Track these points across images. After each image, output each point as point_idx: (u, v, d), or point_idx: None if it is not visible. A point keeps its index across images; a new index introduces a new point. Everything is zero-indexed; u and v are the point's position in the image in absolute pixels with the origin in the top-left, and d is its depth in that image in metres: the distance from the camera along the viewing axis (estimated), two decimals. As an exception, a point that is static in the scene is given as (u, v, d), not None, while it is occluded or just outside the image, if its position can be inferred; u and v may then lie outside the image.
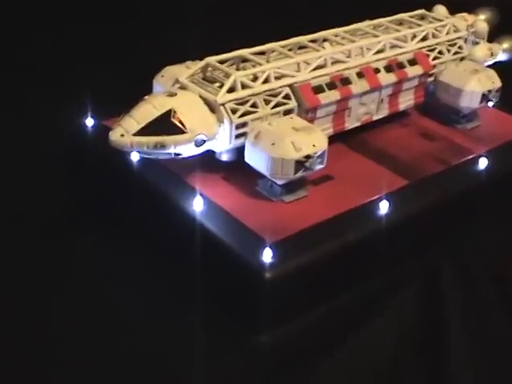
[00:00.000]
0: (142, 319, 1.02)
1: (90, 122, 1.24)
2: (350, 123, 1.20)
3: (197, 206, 1.05)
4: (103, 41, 1.73)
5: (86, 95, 1.24)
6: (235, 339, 1.00)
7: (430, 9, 1.39)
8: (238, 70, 1.14)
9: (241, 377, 0.95)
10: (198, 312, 1.02)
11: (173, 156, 1.04)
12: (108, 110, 1.19)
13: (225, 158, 1.11)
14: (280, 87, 1.11)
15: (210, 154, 1.10)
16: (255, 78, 1.10)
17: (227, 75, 1.08)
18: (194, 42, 1.32)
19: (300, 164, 1.03)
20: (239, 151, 1.09)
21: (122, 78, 1.50)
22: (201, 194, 1.07)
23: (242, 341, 1.01)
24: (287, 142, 1.03)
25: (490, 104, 1.34)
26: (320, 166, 1.06)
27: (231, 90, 1.07)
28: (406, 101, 1.27)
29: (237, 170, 1.10)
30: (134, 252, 1.12)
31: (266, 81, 1.10)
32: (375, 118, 1.24)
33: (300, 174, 1.04)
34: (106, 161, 1.16)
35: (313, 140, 1.05)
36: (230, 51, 1.15)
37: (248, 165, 1.08)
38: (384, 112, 1.24)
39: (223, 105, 1.05)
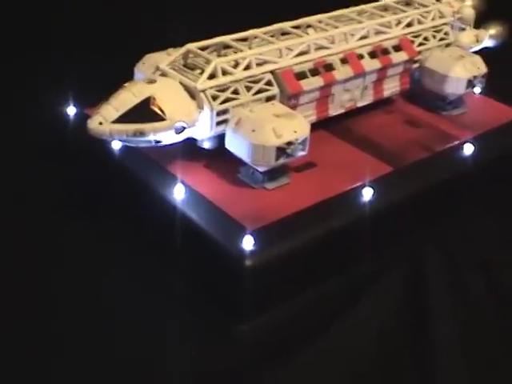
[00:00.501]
0: (123, 306, 1.02)
1: (71, 110, 1.22)
2: (334, 110, 1.19)
3: (178, 194, 1.04)
4: (85, 28, 1.71)
5: (68, 83, 1.22)
6: (217, 328, 0.99)
7: None
8: (219, 56, 1.13)
9: (223, 365, 0.94)
10: (179, 300, 1.00)
11: (153, 143, 1.03)
12: (90, 99, 1.17)
13: (206, 145, 1.10)
14: (262, 73, 1.10)
15: (191, 141, 1.08)
16: (236, 65, 1.09)
17: (208, 61, 1.07)
18: (177, 28, 1.30)
19: (281, 151, 1.02)
20: (221, 138, 1.08)
21: (104, 66, 1.48)
22: (182, 182, 1.06)
23: (224, 329, 0.99)
24: (268, 129, 1.02)
25: (477, 90, 1.33)
26: (302, 153, 1.05)
27: (212, 76, 1.06)
28: (391, 87, 1.26)
29: (218, 158, 1.09)
30: (115, 240, 1.12)
31: (247, 67, 1.09)
32: (359, 104, 1.22)
33: (282, 160, 1.03)
34: (87, 149, 1.15)
35: (294, 126, 1.03)
36: (213, 37, 1.13)
37: (230, 152, 1.07)
38: (368, 99, 1.23)
39: (203, 91, 1.04)
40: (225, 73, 1.06)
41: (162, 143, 1.03)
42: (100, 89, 1.05)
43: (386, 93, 1.25)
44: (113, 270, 1.07)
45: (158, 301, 1.02)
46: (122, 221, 1.13)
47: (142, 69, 1.14)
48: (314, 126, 1.15)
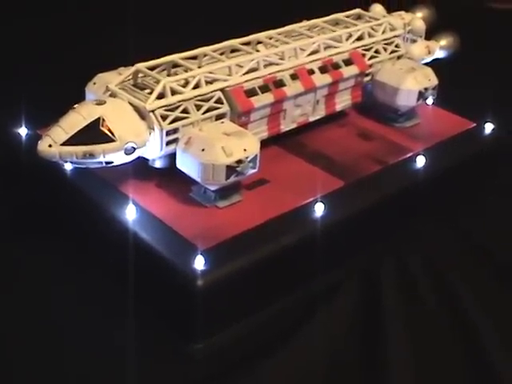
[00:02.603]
0: (75, 327, 1.02)
1: (23, 131, 1.21)
2: (286, 125, 1.19)
3: (129, 214, 1.04)
4: (36, 46, 1.70)
5: (19, 104, 1.21)
6: (169, 348, 0.99)
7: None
8: (169, 75, 1.13)
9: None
10: (131, 320, 1.00)
11: (104, 165, 1.03)
12: (42, 119, 1.17)
13: (158, 164, 1.10)
14: (211, 92, 1.10)
15: (143, 160, 1.08)
16: (186, 83, 1.09)
17: (157, 81, 1.07)
18: (130, 47, 1.29)
19: (231, 169, 1.03)
20: (172, 157, 1.08)
21: (55, 85, 1.47)
22: (133, 202, 1.05)
23: (176, 349, 0.99)
24: (217, 148, 1.02)
25: (429, 101, 1.34)
26: (252, 171, 1.05)
27: (161, 96, 1.06)
28: (343, 101, 1.27)
29: (170, 177, 1.09)
30: (68, 261, 1.12)
31: (196, 86, 1.09)
32: (311, 119, 1.23)
33: (232, 179, 1.03)
34: (39, 170, 1.14)
35: (244, 144, 1.04)
36: (164, 56, 1.13)
37: (182, 171, 1.06)
38: (320, 113, 1.24)
39: (153, 111, 1.04)
40: (174, 92, 1.06)
41: (113, 164, 1.03)
42: (52, 109, 1.05)
43: (338, 107, 1.26)
44: (63, 289, 1.07)
45: (110, 321, 1.02)
46: (74, 241, 1.12)
47: (93, 89, 1.14)
48: (267, 142, 1.16)
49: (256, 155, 1.04)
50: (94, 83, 1.16)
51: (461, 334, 1.04)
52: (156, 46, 1.20)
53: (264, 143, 1.14)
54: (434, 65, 1.35)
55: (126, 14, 1.73)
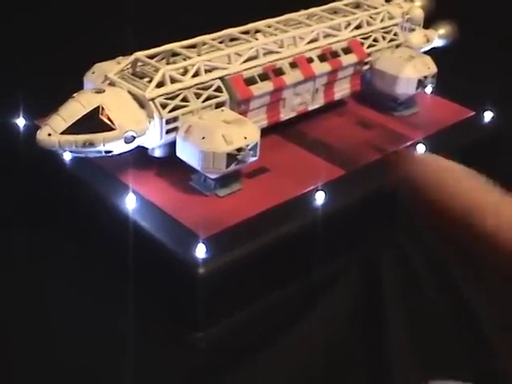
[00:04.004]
0: (74, 316, 1.01)
1: (21, 121, 1.20)
2: (285, 114, 1.19)
3: (129, 203, 1.03)
4: (33, 36, 1.69)
5: (16, 94, 1.20)
6: (171, 337, 0.99)
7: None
8: (168, 64, 1.12)
9: (176, 375, 0.94)
10: (132, 309, 0.99)
11: (103, 154, 1.02)
12: (40, 109, 1.16)
13: (157, 153, 1.09)
14: (211, 80, 1.09)
15: (142, 150, 1.07)
16: (185, 72, 1.08)
17: (156, 69, 1.06)
18: (129, 36, 1.29)
19: (232, 157, 1.02)
20: (172, 146, 1.08)
21: (53, 75, 1.47)
22: (133, 191, 1.05)
23: (178, 338, 0.99)
24: (218, 135, 1.02)
25: (428, 90, 1.33)
26: (253, 159, 1.05)
27: (160, 84, 1.05)
28: (342, 90, 1.26)
29: (170, 166, 1.09)
30: (68, 252, 1.11)
31: (196, 74, 1.08)
32: (311, 108, 1.22)
33: (232, 167, 1.03)
34: (38, 161, 1.13)
35: (244, 132, 1.03)
36: (163, 45, 1.13)
37: (181, 160, 1.06)
38: (319, 102, 1.23)
39: (152, 100, 1.04)
40: (173, 80, 1.06)
41: (113, 153, 1.03)
42: (49, 99, 1.04)
43: (337, 95, 1.25)
44: (63, 279, 1.06)
45: (111, 310, 1.01)
46: (74, 231, 1.11)
47: (92, 78, 1.14)
48: (266, 131, 1.15)
49: (256, 143, 1.04)
50: (93, 72, 1.15)
51: (462, 323, 1.02)
52: (154, 37, 1.18)
53: (263, 132, 1.13)
54: (433, 53, 1.34)
55: (125, 5, 1.71)
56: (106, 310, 1.02)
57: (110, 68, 1.11)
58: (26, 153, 1.17)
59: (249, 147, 1.03)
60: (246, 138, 1.03)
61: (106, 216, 1.07)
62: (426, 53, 1.35)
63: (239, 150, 1.03)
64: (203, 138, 1.02)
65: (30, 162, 1.17)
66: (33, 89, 1.31)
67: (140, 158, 1.10)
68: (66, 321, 1.01)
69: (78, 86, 1.14)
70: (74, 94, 1.04)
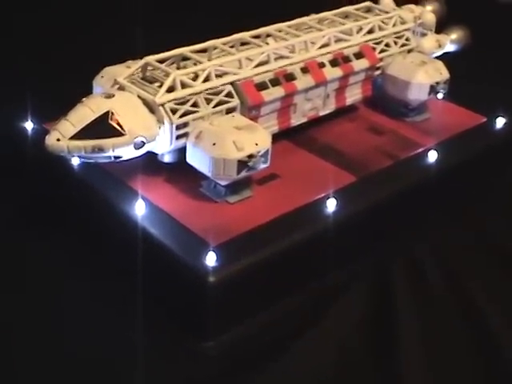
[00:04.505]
0: (82, 324, 1.00)
1: (29, 125, 1.19)
2: (296, 119, 1.18)
3: (139, 209, 1.02)
4: (43, 40, 1.68)
5: (25, 98, 1.19)
6: (181, 345, 0.97)
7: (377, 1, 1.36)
8: (178, 68, 1.11)
9: (185, 381, 0.93)
10: (141, 317, 0.98)
11: (112, 159, 1.01)
12: (49, 113, 1.15)
13: (167, 159, 1.08)
14: (221, 85, 1.08)
15: (152, 155, 1.06)
16: (196, 77, 1.07)
17: (167, 74, 1.05)
18: (138, 39, 1.28)
19: (243, 164, 1.01)
20: (182, 152, 1.06)
21: (62, 79, 1.46)
22: (142, 198, 1.04)
23: (188, 347, 0.97)
24: (228, 142, 1.00)
25: (440, 96, 1.32)
26: (264, 165, 1.03)
27: (171, 89, 1.04)
28: (353, 95, 1.25)
29: (180, 172, 1.08)
30: (77, 257, 1.10)
31: (206, 79, 1.07)
32: (322, 113, 1.21)
33: (243, 174, 1.02)
34: (46, 165, 1.12)
35: (255, 139, 1.02)
36: (173, 49, 1.12)
37: (191, 166, 1.05)
38: (331, 107, 1.22)
39: (162, 105, 1.02)
40: (184, 85, 1.05)
41: (122, 159, 1.01)
42: (58, 103, 1.03)
43: (349, 100, 1.24)
44: (72, 285, 1.05)
45: (120, 318, 1.00)
46: (83, 237, 1.10)
47: (101, 82, 1.13)
48: (277, 137, 1.14)
49: (267, 150, 1.03)
50: (102, 76, 1.14)
51: (474, 334, 1.02)
52: (164, 40, 1.18)
53: (274, 138, 1.12)
54: (445, 59, 1.33)
55: (134, 8, 1.70)
56: (114, 317, 1.02)
57: (120, 72, 1.10)
58: (34, 157, 1.16)
59: (260, 154, 1.02)
60: (257, 144, 1.02)
61: (115, 222, 1.06)
62: (437, 58, 1.33)
63: (250, 156, 1.01)
64: (214, 144, 1.01)
65: (39, 166, 1.16)
66: (41, 92, 1.30)
67: (150, 163, 1.08)
68: (74, 326, 1.00)
69: (88, 90, 1.12)
70: (84, 99, 1.03)
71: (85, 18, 1.82)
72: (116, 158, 1.01)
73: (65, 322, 1.00)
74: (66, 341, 0.97)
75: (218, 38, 1.17)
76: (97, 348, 0.97)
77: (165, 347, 0.98)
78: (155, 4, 1.86)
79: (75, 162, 1.09)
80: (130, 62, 1.15)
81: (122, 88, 1.05)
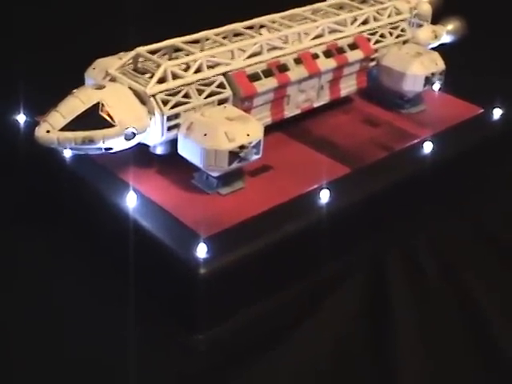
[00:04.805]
0: (74, 316, 1.00)
1: (21, 118, 1.18)
2: (290, 111, 1.16)
3: (130, 201, 1.01)
4: (33, 33, 1.67)
5: (16, 90, 1.19)
6: (172, 338, 0.97)
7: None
8: (170, 59, 1.10)
9: (176, 376, 0.92)
10: (132, 310, 0.97)
11: (103, 151, 1.00)
12: (41, 106, 1.14)
13: (159, 150, 1.07)
14: (213, 76, 1.07)
15: (144, 147, 1.05)
16: (187, 68, 1.06)
17: (158, 65, 1.04)
18: (131, 32, 1.26)
19: (234, 155, 1.00)
20: (174, 144, 1.05)
21: (54, 71, 1.45)
22: (134, 189, 1.03)
23: (179, 339, 0.97)
24: (220, 133, 0.99)
25: (436, 87, 1.31)
26: (256, 157, 1.02)
27: (162, 80, 1.03)
28: (348, 86, 1.24)
29: (172, 164, 1.07)
30: (68, 250, 1.10)
31: (198, 70, 1.06)
32: (316, 105, 1.20)
33: (235, 165, 1.01)
34: (38, 157, 1.12)
35: (247, 129, 1.01)
36: (166, 39, 1.11)
37: (183, 158, 1.04)
38: (325, 99, 1.21)
39: (153, 96, 1.01)
40: (175, 76, 1.04)
41: (113, 150, 1.00)
42: (51, 95, 1.02)
43: (343, 92, 1.23)
44: (63, 278, 1.05)
45: (110, 310, 1.00)
46: (74, 229, 1.10)
47: (93, 74, 1.12)
48: (270, 128, 1.13)
49: (259, 141, 1.02)
50: (94, 68, 1.13)
51: (471, 325, 1.02)
52: (157, 31, 1.17)
53: (267, 129, 1.11)
54: (441, 50, 1.32)
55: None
56: (104, 309, 1.01)
57: (112, 63, 1.09)
58: (26, 150, 1.15)
59: (252, 145, 1.01)
60: (248, 135, 1.01)
61: (106, 214, 1.06)
62: (434, 49, 1.31)
63: (242, 147, 1.00)
64: (205, 135, 1.00)
65: (31, 158, 1.15)
66: (33, 85, 1.29)
67: (141, 155, 1.08)
68: (64, 319, 1.00)
69: (80, 82, 1.11)
70: (74, 90, 1.02)
71: (78, 10, 1.81)
72: (107, 149, 1.00)
73: (54, 312, 1.00)
74: (56, 333, 0.97)
75: (214, 28, 1.15)
76: (87, 342, 0.96)
77: (157, 341, 0.97)
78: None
79: (67, 154, 1.08)
80: (121, 53, 1.14)
81: (113, 79, 1.05)
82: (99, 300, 1.02)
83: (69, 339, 0.97)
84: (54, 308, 1.01)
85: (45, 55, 1.56)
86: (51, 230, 1.12)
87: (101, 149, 1.00)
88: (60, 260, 1.08)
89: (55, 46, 1.61)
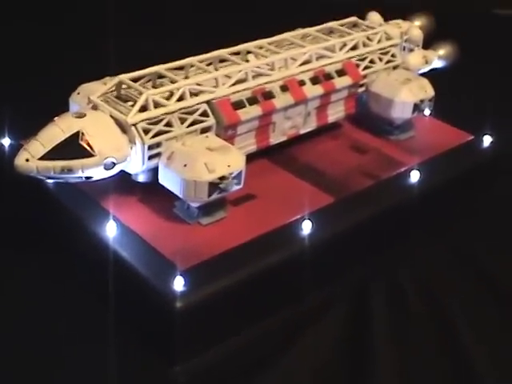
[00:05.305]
0: (52, 344, 0.99)
1: (6, 141, 1.18)
2: (275, 138, 1.16)
3: (110, 230, 1.00)
4: (21, 55, 1.67)
5: (2, 113, 1.18)
6: (149, 370, 0.96)
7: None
8: (154, 86, 1.09)
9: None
10: (110, 341, 0.96)
11: (84, 179, 0.99)
12: (26, 129, 1.13)
13: (141, 178, 1.06)
14: (196, 104, 1.06)
15: (126, 174, 1.04)
16: (170, 96, 1.05)
17: (140, 93, 1.03)
18: (121, 56, 1.26)
19: (214, 186, 0.99)
20: (156, 171, 1.05)
21: (41, 95, 1.44)
22: (114, 218, 1.02)
23: (156, 371, 0.96)
24: (200, 163, 0.99)
25: (427, 112, 1.30)
26: (237, 187, 1.02)
27: (144, 108, 1.02)
28: (336, 113, 1.23)
29: (154, 192, 1.06)
30: (47, 277, 1.09)
31: (181, 98, 1.05)
32: (302, 131, 1.19)
33: (215, 196, 1.00)
34: (21, 182, 1.11)
35: (228, 160, 1.00)
36: (152, 66, 1.10)
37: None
38: (312, 125, 1.20)
39: (134, 125, 1.00)
40: (157, 105, 1.03)
41: (93, 179, 0.99)
42: (37, 119, 1.02)
43: (331, 118, 1.22)
44: (42, 306, 1.04)
45: (88, 341, 0.99)
46: (54, 257, 1.10)
47: (77, 99, 1.11)
48: (255, 155, 1.12)
49: (241, 171, 1.01)
50: (78, 93, 1.12)
51: (452, 361, 1.01)
52: (146, 55, 1.16)
53: (253, 156, 1.11)
54: (433, 75, 1.30)
55: (119, 21, 1.69)
56: (83, 338, 1.00)
57: (96, 89, 1.09)
58: (9, 173, 1.14)
59: (232, 175, 1.00)
60: (229, 166, 1.00)
61: (86, 243, 1.05)
62: (425, 74, 1.30)
63: (222, 178, 1.00)
64: (185, 165, 0.99)
65: (14, 183, 1.14)
66: (19, 108, 1.28)
67: (124, 182, 1.07)
68: (41, 347, 0.99)
69: (67, 107, 1.11)
70: (55, 118, 1.01)
71: (68, 34, 1.81)
72: (87, 178, 0.99)
73: (30, 342, 0.99)
74: (30, 362, 0.96)
75: (204, 53, 1.15)
76: (63, 373, 0.96)
77: (136, 373, 0.96)
78: (140, 22, 1.84)
79: (49, 180, 1.07)
80: (107, 78, 1.14)
81: (95, 107, 1.04)
82: (75, 329, 1.01)
83: (43, 369, 0.96)
84: (29, 336, 1.00)
85: (31, 77, 1.55)
86: (31, 257, 1.12)
87: (81, 178, 0.99)
88: (37, 287, 1.08)
89: (43, 67, 1.60)
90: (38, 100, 1.40)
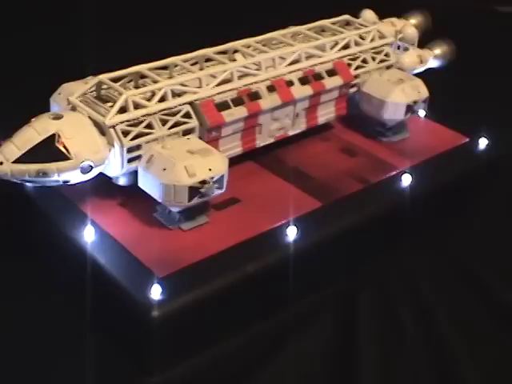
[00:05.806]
0: (28, 352, 0.97)
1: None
2: (262, 140, 1.12)
3: (88, 235, 0.97)
4: (4, 54, 1.64)
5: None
6: (126, 379, 0.93)
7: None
8: (137, 87, 1.05)
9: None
10: (87, 349, 0.94)
11: (61, 183, 0.96)
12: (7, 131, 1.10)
13: (122, 182, 1.03)
14: (179, 105, 1.02)
15: (107, 177, 1.01)
16: (152, 96, 1.01)
17: (120, 94, 0.99)
18: (108, 54, 1.23)
19: (195, 190, 0.96)
20: (137, 175, 1.00)
21: (23, 95, 1.41)
22: (93, 223, 0.99)
23: (132, 381, 0.92)
24: (179, 167, 0.95)
25: (421, 113, 1.26)
26: (218, 192, 0.98)
27: (123, 110, 0.98)
28: (326, 114, 1.19)
29: (135, 196, 1.03)
30: (23, 282, 1.07)
31: (162, 99, 1.01)
32: (291, 133, 1.15)
33: (195, 200, 0.97)
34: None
35: (209, 164, 0.97)
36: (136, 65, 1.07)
37: (145, 190, 1.00)
38: (301, 127, 1.16)
39: (113, 127, 0.97)
40: (137, 106, 0.99)
41: (71, 183, 0.96)
42: (19, 120, 0.97)
43: (321, 119, 1.18)
44: (16, 311, 1.02)
45: (64, 349, 0.97)
46: (31, 262, 1.07)
47: (58, 99, 1.08)
48: (241, 157, 1.09)
49: (223, 175, 0.97)
50: (59, 93, 1.09)
51: (440, 364, 0.98)
52: (134, 54, 1.12)
53: (239, 159, 1.07)
54: (428, 74, 1.26)
55: (109, 18, 1.66)
56: (59, 346, 0.98)
57: (77, 89, 1.06)
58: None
59: (214, 180, 0.97)
60: (210, 169, 0.97)
61: (63, 248, 1.01)
62: (420, 74, 1.26)
63: (203, 182, 0.96)
64: (164, 169, 0.96)
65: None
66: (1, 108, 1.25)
67: (104, 185, 1.03)
68: (17, 355, 0.97)
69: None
70: (32, 119, 0.98)
71: (53, 34, 1.78)
72: (64, 181, 0.96)
73: (7, 351, 0.97)
74: (7, 371, 0.94)
75: (206, 47, 1.13)
76: (40, 382, 0.92)
77: (110, 381, 0.92)
78: (129, 20, 1.81)
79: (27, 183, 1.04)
80: (89, 77, 1.10)
81: (73, 108, 1.00)
82: (52, 339, 0.98)
83: (20, 377, 0.94)
84: (6, 343, 0.98)
85: (13, 78, 1.53)
86: (6, 261, 1.09)
87: (58, 181, 0.96)
88: (13, 292, 1.05)
89: (27, 67, 1.58)
90: (20, 102, 1.36)
